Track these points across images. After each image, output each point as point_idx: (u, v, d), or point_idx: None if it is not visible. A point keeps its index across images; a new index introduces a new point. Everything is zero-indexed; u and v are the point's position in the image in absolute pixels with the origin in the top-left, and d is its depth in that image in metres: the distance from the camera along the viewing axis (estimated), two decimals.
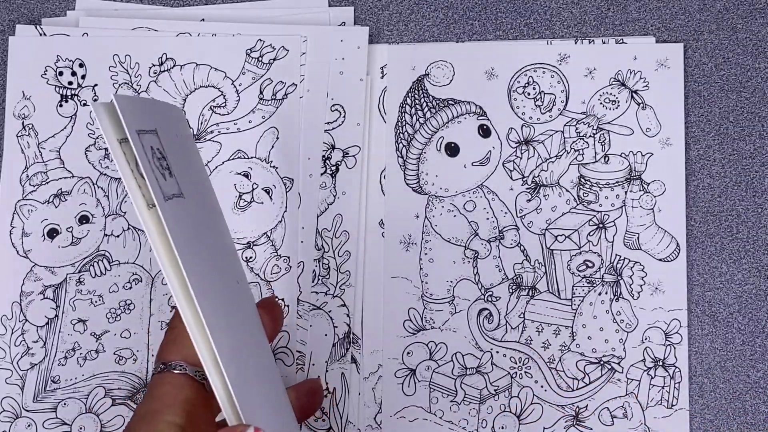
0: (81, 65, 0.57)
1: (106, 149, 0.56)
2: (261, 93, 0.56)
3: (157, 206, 0.32)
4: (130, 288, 0.55)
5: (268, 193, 0.55)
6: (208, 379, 0.36)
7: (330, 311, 0.54)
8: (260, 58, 0.57)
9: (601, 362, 0.55)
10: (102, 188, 0.56)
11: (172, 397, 0.36)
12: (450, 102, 0.57)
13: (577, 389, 0.55)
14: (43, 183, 0.56)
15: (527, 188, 0.56)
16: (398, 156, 0.56)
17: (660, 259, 0.55)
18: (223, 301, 0.37)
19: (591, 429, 0.54)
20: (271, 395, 0.40)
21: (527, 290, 0.56)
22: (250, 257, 0.55)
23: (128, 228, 0.56)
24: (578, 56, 0.57)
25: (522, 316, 0.55)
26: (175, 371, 0.37)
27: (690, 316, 0.55)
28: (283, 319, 0.48)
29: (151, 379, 0.37)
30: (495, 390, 0.55)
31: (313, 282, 0.54)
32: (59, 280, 0.55)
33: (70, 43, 0.57)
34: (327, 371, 0.53)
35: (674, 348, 0.55)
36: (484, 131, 0.57)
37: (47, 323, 0.55)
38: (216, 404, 0.38)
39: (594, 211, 0.56)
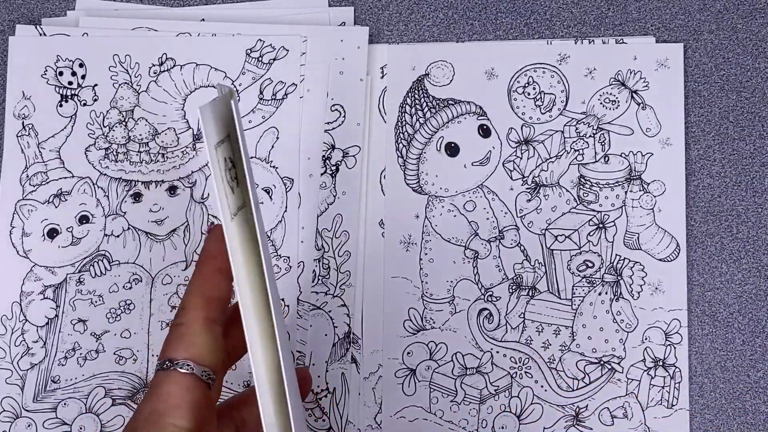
0: (81, 65, 0.57)
1: (107, 149, 0.56)
2: (261, 93, 0.56)
3: (224, 227, 0.32)
4: (130, 288, 0.55)
5: (268, 193, 0.55)
6: (214, 379, 0.35)
7: (330, 311, 0.54)
8: (260, 58, 0.57)
9: (601, 362, 0.55)
10: (102, 188, 0.56)
11: (178, 398, 0.35)
12: (450, 102, 0.57)
13: (577, 389, 0.55)
14: (43, 183, 0.56)
15: (527, 188, 0.56)
16: (398, 156, 0.56)
17: (660, 259, 0.55)
18: (266, 314, 0.36)
19: (591, 429, 0.54)
20: (295, 405, 0.40)
21: (527, 290, 0.56)
22: None
23: (128, 228, 0.56)
24: (578, 56, 0.57)
25: (522, 316, 0.55)
26: (182, 370, 0.35)
27: (690, 316, 0.55)
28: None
29: (154, 376, 0.36)
30: (495, 390, 0.55)
31: (313, 282, 0.54)
32: (59, 280, 0.55)
33: (70, 43, 0.57)
34: (327, 371, 0.53)
35: (674, 348, 0.55)
36: (484, 131, 0.57)
37: (47, 323, 0.55)
38: (216, 401, 0.38)
39: (594, 211, 0.56)
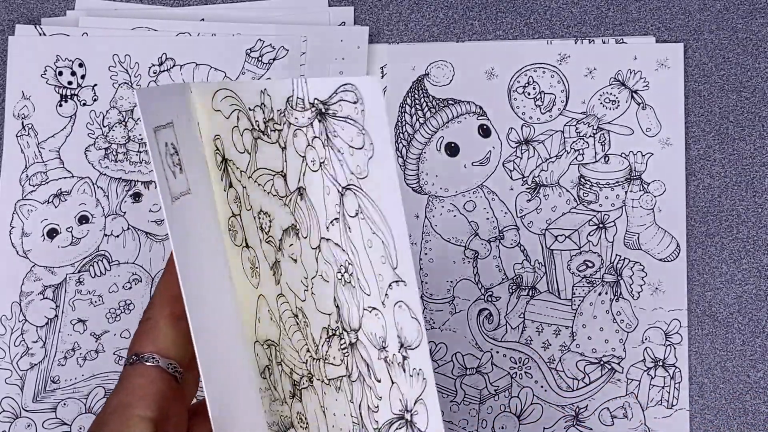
0: (81, 65, 0.57)
1: (107, 149, 0.56)
2: None
3: (164, 209, 0.32)
4: (130, 288, 0.55)
5: None
6: (181, 372, 0.36)
7: None
8: (260, 58, 0.56)
9: (601, 362, 0.55)
10: (102, 188, 0.56)
11: (144, 390, 0.36)
12: (450, 102, 0.57)
13: (577, 389, 0.55)
14: (43, 183, 0.56)
15: (527, 188, 0.56)
16: (398, 156, 0.56)
17: (660, 259, 0.55)
18: (214, 303, 0.37)
19: (591, 429, 0.54)
20: (248, 396, 0.40)
21: (527, 290, 0.56)
22: None
23: (128, 228, 0.56)
24: (578, 56, 0.57)
25: (522, 316, 0.55)
26: (148, 363, 0.36)
27: (690, 316, 0.55)
28: None
29: (123, 370, 0.37)
30: (495, 390, 0.55)
31: None
32: (59, 280, 0.55)
33: (69, 42, 0.57)
34: None
35: (674, 348, 0.55)
36: (484, 131, 0.57)
37: (47, 323, 0.55)
38: (189, 396, 0.38)
39: (594, 211, 0.56)
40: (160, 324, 0.37)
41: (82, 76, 0.57)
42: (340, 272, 0.36)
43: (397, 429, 0.38)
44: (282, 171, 0.37)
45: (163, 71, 0.57)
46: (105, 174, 0.56)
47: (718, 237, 0.55)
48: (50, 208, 0.56)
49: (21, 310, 0.55)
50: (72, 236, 0.55)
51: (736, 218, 0.55)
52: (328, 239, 0.36)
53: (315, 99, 0.35)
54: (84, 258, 0.55)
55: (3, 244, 0.55)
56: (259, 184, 0.38)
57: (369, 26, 0.57)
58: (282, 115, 0.36)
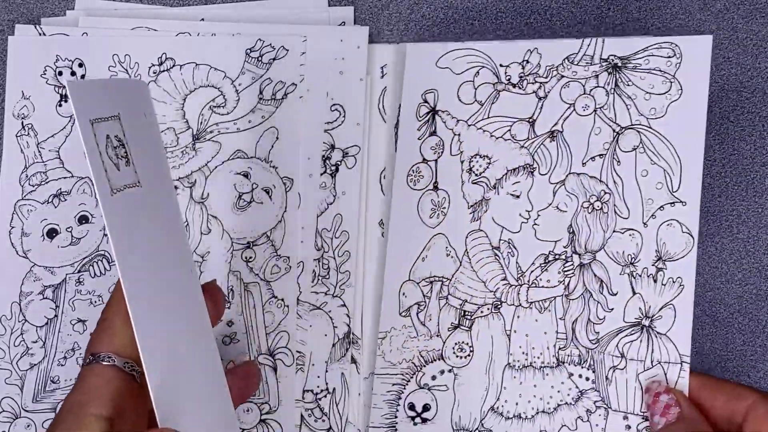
0: (80, 65, 0.57)
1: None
2: (261, 93, 0.56)
3: (100, 201, 0.33)
4: None
5: (267, 193, 0.55)
6: (138, 371, 0.36)
7: (330, 311, 0.54)
8: (260, 58, 0.56)
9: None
10: None
11: (99, 389, 0.36)
12: None
13: None
14: (43, 183, 0.56)
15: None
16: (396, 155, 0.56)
17: None
18: (163, 296, 0.37)
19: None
20: (206, 388, 0.40)
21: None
22: (250, 257, 0.55)
23: None
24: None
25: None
26: (104, 363, 0.37)
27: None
28: (224, 304, 0.48)
29: (80, 370, 0.37)
30: None
31: (313, 282, 0.54)
32: (59, 281, 0.55)
33: (69, 42, 0.57)
34: (327, 371, 0.53)
35: None
36: None
37: (47, 323, 0.55)
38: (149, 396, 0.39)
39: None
40: (116, 323, 0.37)
41: (82, 76, 0.57)
42: (588, 201, 0.47)
43: (627, 336, 0.48)
44: (530, 118, 0.48)
45: (163, 71, 0.57)
46: None
47: (718, 237, 0.55)
48: (50, 208, 0.56)
49: (21, 310, 0.55)
50: (72, 236, 0.55)
51: (736, 218, 0.55)
52: (579, 174, 0.48)
53: (611, 55, 0.48)
54: (84, 258, 0.55)
55: (3, 244, 0.55)
56: (485, 131, 0.48)
57: (369, 26, 0.57)
58: (553, 69, 0.49)
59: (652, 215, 0.48)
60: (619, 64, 0.48)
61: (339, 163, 0.55)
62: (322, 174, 0.55)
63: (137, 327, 0.35)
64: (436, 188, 0.52)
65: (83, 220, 0.56)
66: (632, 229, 0.48)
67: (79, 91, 0.32)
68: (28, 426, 0.54)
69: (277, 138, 0.56)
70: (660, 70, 0.48)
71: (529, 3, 0.58)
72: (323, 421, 0.53)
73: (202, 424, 0.38)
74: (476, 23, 0.58)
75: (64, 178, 0.56)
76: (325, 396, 0.53)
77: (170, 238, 0.39)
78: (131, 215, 0.35)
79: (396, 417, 0.51)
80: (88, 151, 0.32)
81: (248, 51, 0.57)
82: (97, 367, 0.37)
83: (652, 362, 0.48)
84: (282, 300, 0.54)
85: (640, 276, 0.48)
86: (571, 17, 0.57)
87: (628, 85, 0.47)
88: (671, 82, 0.47)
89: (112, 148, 0.34)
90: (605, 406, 0.49)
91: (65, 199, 0.56)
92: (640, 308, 0.48)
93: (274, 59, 0.57)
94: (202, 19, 0.58)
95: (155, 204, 0.38)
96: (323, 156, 0.55)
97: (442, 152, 0.51)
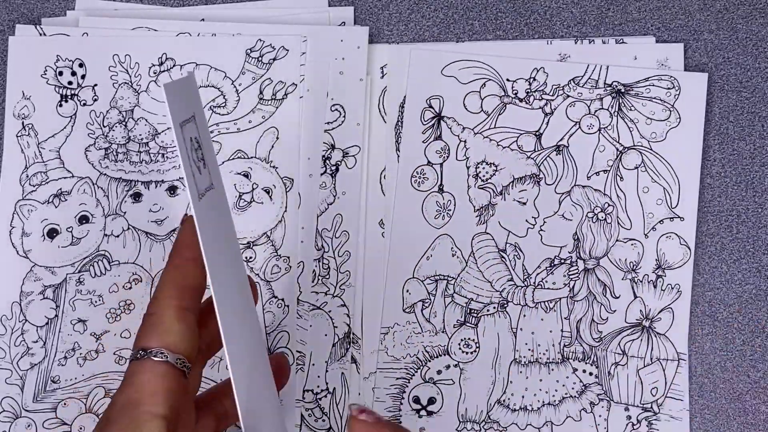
0: (81, 65, 0.57)
1: (107, 149, 0.56)
2: (261, 93, 0.56)
3: (192, 206, 0.31)
4: (130, 288, 0.55)
5: (268, 193, 0.55)
6: (189, 367, 0.35)
7: (330, 311, 0.54)
8: (260, 58, 0.56)
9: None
10: (102, 188, 0.56)
11: (153, 386, 0.34)
12: None
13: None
14: (43, 183, 0.56)
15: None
16: (398, 156, 0.56)
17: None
18: (236, 298, 0.36)
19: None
20: (267, 390, 0.39)
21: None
22: (250, 257, 0.55)
23: (128, 228, 0.56)
24: (578, 56, 0.57)
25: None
26: (156, 358, 0.35)
27: (690, 316, 0.55)
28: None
29: (128, 366, 0.36)
30: None
31: (313, 282, 0.54)
32: (59, 280, 0.55)
33: (69, 43, 0.57)
34: (327, 371, 0.53)
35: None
36: None
37: (47, 323, 0.55)
38: (193, 391, 0.38)
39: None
40: (166, 318, 0.36)
41: (83, 76, 0.57)
42: (593, 212, 0.51)
43: (628, 335, 0.51)
44: (537, 131, 0.51)
45: (163, 71, 0.57)
46: (105, 174, 0.56)
47: (718, 237, 0.55)
48: (50, 208, 0.56)
49: (21, 310, 0.55)
50: (72, 236, 0.55)
51: (736, 218, 0.55)
52: (585, 186, 0.51)
53: (614, 81, 0.52)
54: (84, 258, 0.55)
55: (3, 244, 0.55)
56: (491, 140, 0.50)
57: (369, 26, 0.57)
58: (559, 88, 0.52)
59: (653, 228, 0.52)
60: (623, 90, 0.52)
61: (339, 163, 0.55)
62: (322, 174, 0.55)
63: (225, 332, 0.33)
64: (441, 191, 0.53)
65: (83, 220, 0.56)
66: (634, 239, 0.52)
67: (172, 93, 0.30)
68: (29, 426, 0.54)
69: (277, 138, 0.56)
70: (660, 99, 0.52)
71: (529, 3, 0.58)
72: (323, 420, 0.53)
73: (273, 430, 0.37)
74: (476, 23, 0.58)
75: (65, 178, 0.56)
76: (325, 396, 0.53)
77: (233, 239, 0.38)
78: (211, 219, 0.34)
79: (400, 410, 0.52)
80: (182, 156, 0.31)
81: (248, 51, 0.57)
82: (148, 362, 0.35)
83: (651, 359, 0.52)
84: (282, 300, 0.54)
85: (641, 282, 0.52)
86: (571, 17, 0.57)
87: (631, 109, 0.51)
88: (670, 111, 0.52)
89: (194, 150, 0.32)
90: (608, 398, 0.52)
91: (66, 199, 0.56)
92: (640, 310, 0.52)
93: (274, 59, 0.57)
94: (202, 19, 0.58)
95: (223, 206, 0.37)
96: (323, 156, 0.55)
97: (447, 156, 0.52)
